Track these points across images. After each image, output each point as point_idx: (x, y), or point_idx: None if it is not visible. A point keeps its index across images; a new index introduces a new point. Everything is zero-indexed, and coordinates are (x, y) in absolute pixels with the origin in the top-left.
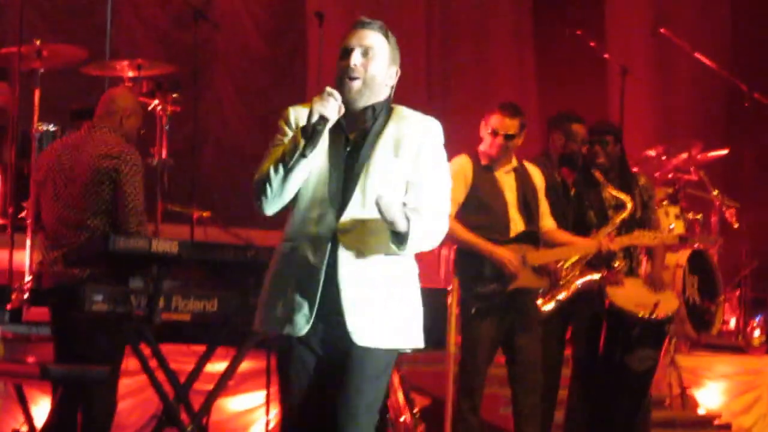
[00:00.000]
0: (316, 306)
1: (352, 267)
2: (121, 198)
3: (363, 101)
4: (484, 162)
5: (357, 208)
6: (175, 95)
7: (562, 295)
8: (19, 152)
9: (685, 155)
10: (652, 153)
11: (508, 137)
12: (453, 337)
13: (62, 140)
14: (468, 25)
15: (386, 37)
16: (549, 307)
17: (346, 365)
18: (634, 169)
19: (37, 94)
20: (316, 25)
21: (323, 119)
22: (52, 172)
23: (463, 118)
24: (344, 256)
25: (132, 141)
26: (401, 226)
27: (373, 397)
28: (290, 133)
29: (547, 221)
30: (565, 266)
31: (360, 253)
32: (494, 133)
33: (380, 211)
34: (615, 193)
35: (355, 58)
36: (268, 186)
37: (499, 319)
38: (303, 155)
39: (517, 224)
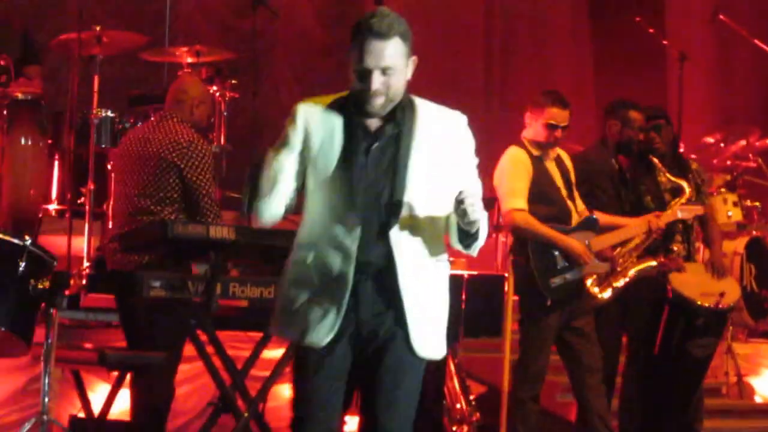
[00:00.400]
0: (342, 316)
1: (409, 274)
2: (192, 189)
3: (386, 110)
4: (536, 153)
5: (407, 212)
6: (233, 82)
7: (619, 283)
8: (77, 138)
9: (743, 142)
10: (710, 140)
11: (564, 129)
12: (509, 325)
13: (134, 130)
14: (526, 18)
15: (403, 39)
16: (606, 294)
17: (391, 374)
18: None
19: (96, 80)
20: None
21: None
22: (122, 159)
23: (521, 114)
24: (401, 263)
25: (202, 129)
26: (480, 225)
27: (415, 403)
28: (292, 132)
29: (581, 204)
30: (622, 253)
31: (416, 259)
32: (552, 126)
33: (462, 211)
34: (673, 178)
35: (376, 83)
36: (254, 196)
37: (565, 308)
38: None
39: (572, 212)
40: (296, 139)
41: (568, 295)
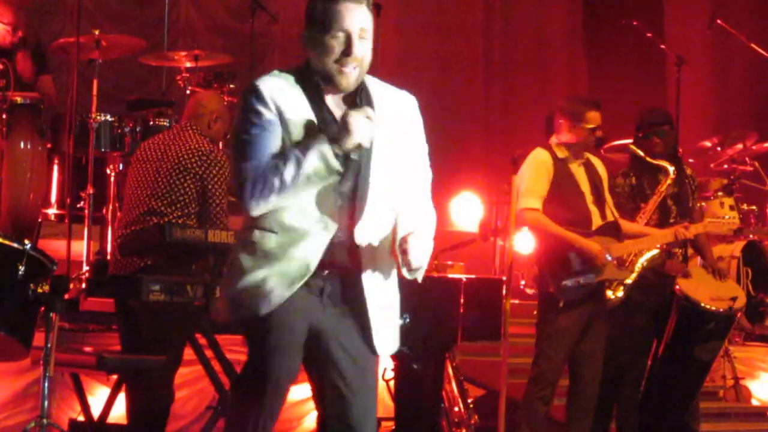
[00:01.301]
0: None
1: (372, 272)
2: (207, 197)
3: (355, 86)
4: (561, 155)
5: (370, 205)
6: (231, 86)
7: (629, 280)
8: (76, 142)
9: (740, 146)
10: (707, 144)
11: (600, 129)
12: (507, 329)
13: (153, 138)
14: (525, 26)
15: (369, 8)
16: (620, 294)
17: (357, 370)
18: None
19: (95, 84)
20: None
21: (360, 147)
22: (138, 164)
23: (524, 113)
24: (365, 260)
25: (217, 143)
26: (421, 268)
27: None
28: (266, 113)
29: (614, 212)
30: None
31: (376, 256)
32: (594, 129)
33: (405, 260)
34: (657, 162)
35: (357, 47)
36: (269, 196)
37: (581, 311)
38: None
39: (595, 217)
40: (272, 117)
41: (582, 298)
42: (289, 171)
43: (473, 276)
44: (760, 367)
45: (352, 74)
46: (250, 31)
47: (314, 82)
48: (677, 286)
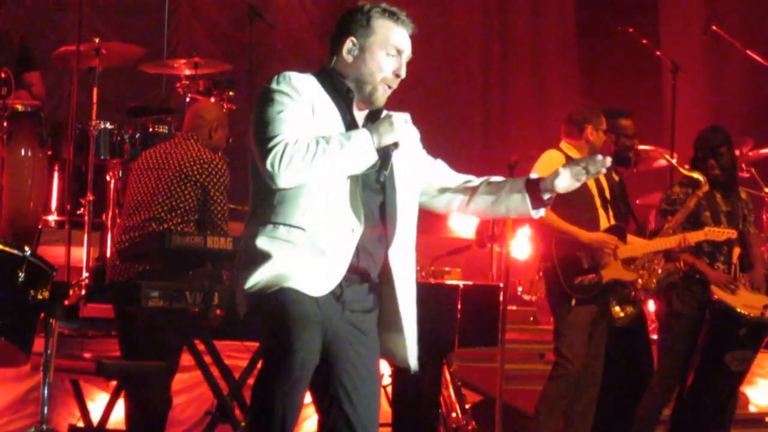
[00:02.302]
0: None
1: (404, 285)
2: (209, 204)
3: (383, 105)
4: (572, 157)
5: (401, 220)
6: (230, 93)
7: (652, 283)
8: (76, 150)
9: (736, 152)
10: None
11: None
12: (504, 335)
13: (155, 147)
14: (523, 32)
15: None
16: (630, 311)
17: (364, 380)
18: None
19: (95, 91)
20: None
21: (396, 145)
22: (140, 170)
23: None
24: (397, 273)
25: (218, 151)
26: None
27: None
28: (300, 100)
29: (633, 219)
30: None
31: (406, 269)
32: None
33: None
34: (687, 172)
35: (404, 67)
36: (307, 167)
37: (591, 310)
38: (370, 168)
39: (603, 220)
40: (305, 106)
41: (594, 295)
42: (332, 148)
43: (470, 282)
44: (758, 374)
45: (387, 94)
46: (248, 39)
47: (345, 90)
48: (714, 295)
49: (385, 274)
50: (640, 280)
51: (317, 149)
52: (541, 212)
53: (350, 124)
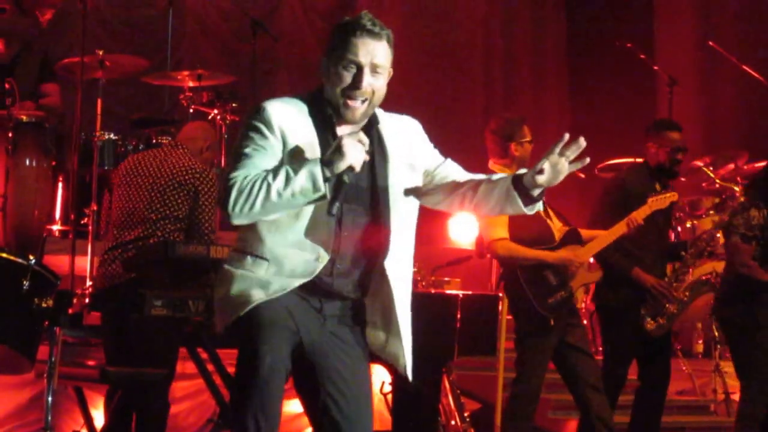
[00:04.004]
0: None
1: (401, 293)
2: (200, 211)
3: (363, 120)
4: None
5: (396, 236)
6: (234, 105)
7: (675, 310)
8: (80, 160)
9: (731, 166)
10: (699, 163)
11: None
12: (503, 344)
13: (143, 152)
14: (522, 44)
15: (389, 43)
16: (663, 323)
17: (352, 393)
18: None
19: (99, 103)
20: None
21: (352, 169)
22: (129, 175)
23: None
24: (393, 279)
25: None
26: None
27: None
28: (270, 136)
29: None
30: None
31: (402, 276)
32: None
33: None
34: (724, 184)
35: (366, 81)
36: (253, 206)
37: (561, 324)
38: (319, 200)
39: (554, 229)
40: (274, 141)
41: (565, 311)
42: (277, 184)
43: (470, 292)
44: None
45: (358, 108)
46: (252, 52)
47: (326, 112)
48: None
49: (383, 283)
50: (674, 311)
51: (262, 186)
52: (536, 207)
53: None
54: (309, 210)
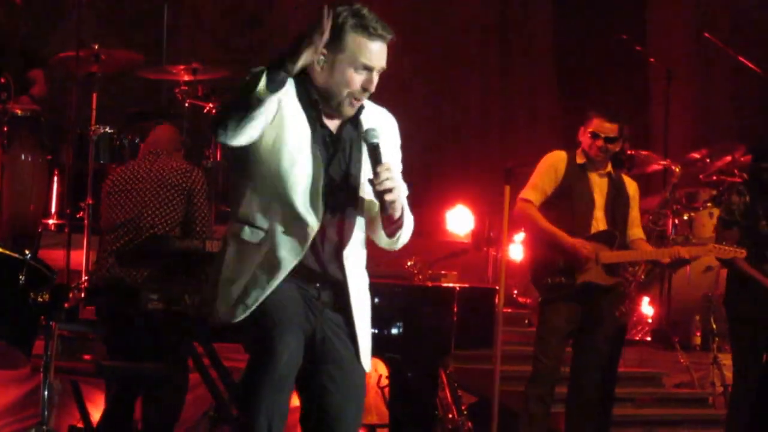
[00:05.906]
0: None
1: (355, 282)
2: (196, 209)
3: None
4: (579, 161)
5: (356, 216)
6: None
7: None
8: (76, 154)
9: (728, 158)
10: (696, 155)
11: (608, 140)
12: (500, 336)
13: (126, 166)
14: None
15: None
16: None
17: (344, 382)
18: None
19: (94, 97)
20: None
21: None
22: (123, 180)
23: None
24: (349, 269)
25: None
26: (402, 205)
27: None
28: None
29: (637, 230)
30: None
31: (358, 265)
32: (594, 136)
33: (380, 186)
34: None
35: (374, 84)
36: (231, 118)
37: (568, 310)
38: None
39: (599, 225)
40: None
41: (568, 296)
42: (239, 92)
43: (466, 285)
44: None
45: (355, 105)
46: (248, 46)
47: (311, 96)
48: None
49: (340, 273)
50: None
51: (232, 99)
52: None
53: (321, 133)
54: (303, 184)
